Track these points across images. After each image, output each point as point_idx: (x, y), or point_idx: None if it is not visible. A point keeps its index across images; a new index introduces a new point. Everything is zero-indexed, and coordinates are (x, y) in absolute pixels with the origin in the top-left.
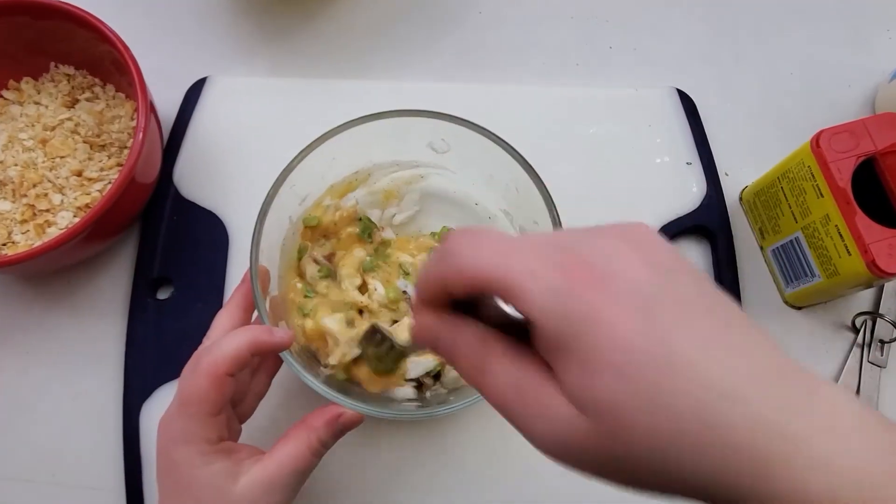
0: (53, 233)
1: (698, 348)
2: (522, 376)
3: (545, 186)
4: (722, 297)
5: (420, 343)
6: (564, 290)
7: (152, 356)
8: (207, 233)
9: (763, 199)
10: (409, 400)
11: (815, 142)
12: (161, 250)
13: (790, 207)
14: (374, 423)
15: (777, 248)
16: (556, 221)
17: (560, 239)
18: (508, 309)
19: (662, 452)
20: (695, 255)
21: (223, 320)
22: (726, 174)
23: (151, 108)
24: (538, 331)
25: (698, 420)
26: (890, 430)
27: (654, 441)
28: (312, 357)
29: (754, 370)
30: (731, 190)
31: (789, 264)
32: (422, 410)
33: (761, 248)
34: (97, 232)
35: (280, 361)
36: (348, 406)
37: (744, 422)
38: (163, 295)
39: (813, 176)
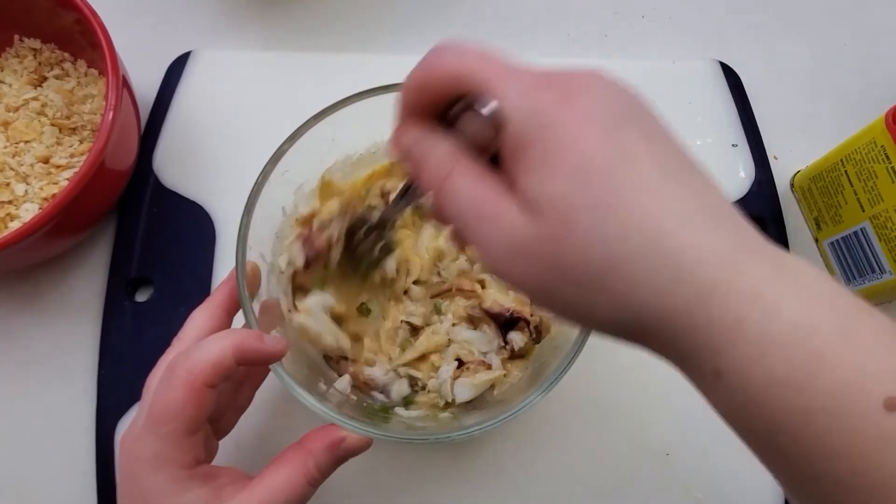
0: (16, 227)
1: (660, 172)
2: (482, 188)
3: None
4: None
5: (393, 152)
6: (538, 96)
7: (129, 367)
8: (192, 226)
9: (821, 186)
10: (419, 419)
11: (891, 117)
12: (139, 247)
13: (856, 194)
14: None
15: (837, 240)
16: None
17: (542, 68)
18: (485, 109)
19: (603, 263)
20: None
21: (200, 320)
22: (775, 157)
23: (125, 84)
24: (506, 129)
25: (647, 238)
26: (837, 292)
27: (598, 248)
28: (311, 368)
29: (714, 210)
30: (782, 175)
31: (852, 259)
32: (434, 434)
33: (816, 240)
34: (64, 226)
35: (267, 370)
36: (353, 429)
37: (695, 248)
38: (141, 297)
39: (888, 157)
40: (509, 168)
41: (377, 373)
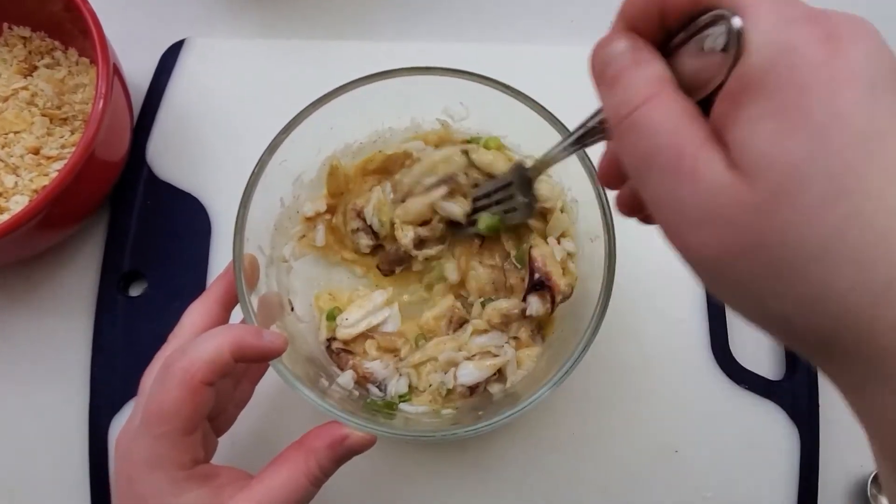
0: (5, 220)
1: None
2: (687, 129)
3: (589, 158)
4: None
5: (591, 62)
6: (802, 30)
7: (123, 363)
8: (186, 219)
9: None
10: (423, 414)
11: None
12: (133, 240)
13: None
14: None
15: None
16: (602, 196)
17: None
18: (738, 24)
19: (816, 248)
20: None
21: (196, 316)
22: None
23: (116, 72)
24: (745, 60)
25: (878, 235)
26: None
27: (817, 230)
28: (312, 363)
29: None
30: None
31: None
32: (440, 431)
33: None
34: (55, 218)
35: (267, 365)
36: (356, 426)
37: None
38: (135, 291)
39: None
40: (725, 111)
41: (377, 367)
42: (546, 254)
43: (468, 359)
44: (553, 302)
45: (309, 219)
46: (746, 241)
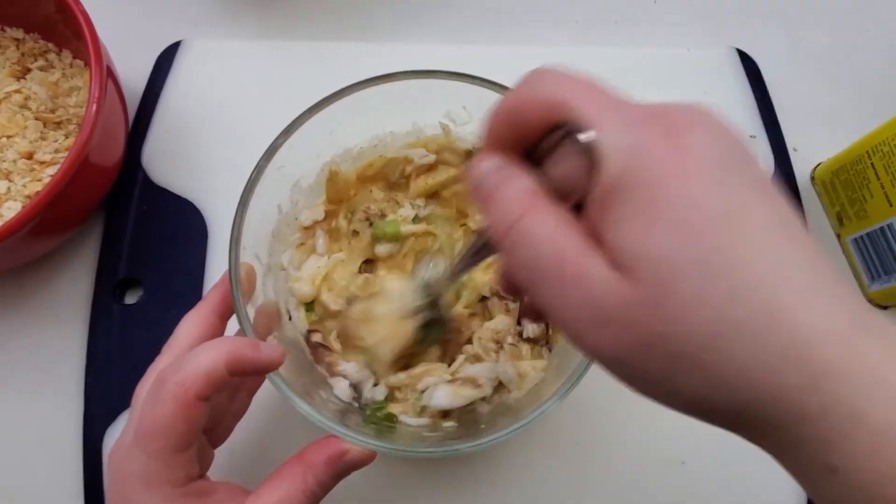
0: None
1: (773, 233)
2: (565, 236)
3: None
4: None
5: (469, 181)
6: (643, 131)
7: (118, 373)
8: (182, 225)
9: (844, 179)
10: (424, 427)
11: None
12: (128, 246)
13: (883, 188)
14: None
15: (861, 237)
16: None
17: (646, 103)
18: (587, 138)
19: (704, 334)
20: None
21: (191, 326)
22: (795, 149)
23: (110, 75)
24: (601, 167)
25: (758, 309)
26: None
27: (700, 316)
28: (310, 375)
29: (828, 281)
30: (801, 168)
31: (877, 256)
32: (442, 447)
33: (838, 236)
34: (48, 225)
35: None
36: (355, 441)
37: (811, 326)
38: (130, 299)
39: None
40: (596, 217)
41: (350, 369)
42: None
43: (450, 382)
44: (548, 322)
45: (306, 228)
46: (639, 338)
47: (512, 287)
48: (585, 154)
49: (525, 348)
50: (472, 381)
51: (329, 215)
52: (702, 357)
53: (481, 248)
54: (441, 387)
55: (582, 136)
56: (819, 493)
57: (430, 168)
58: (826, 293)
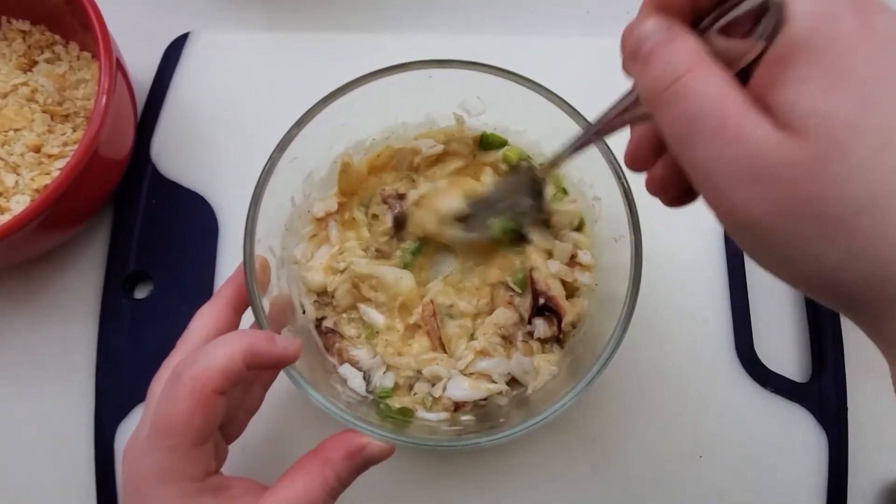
0: (6, 220)
1: None
2: (730, 95)
3: (613, 154)
4: None
5: (624, 42)
6: (832, 1)
7: (129, 368)
8: (193, 218)
9: None
10: (441, 422)
11: None
12: (137, 240)
13: None
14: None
15: None
16: (627, 190)
17: None
18: None
19: (864, 199)
20: None
21: (206, 319)
22: None
23: (119, 67)
24: (789, 26)
25: None
26: None
27: (865, 180)
28: (325, 368)
29: None
30: None
31: None
32: (462, 440)
33: None
34: (57, 219)
35: (278, 370)
36: (373, 434)
37: None
38: (140, 294)
39: None
40: (770, 77)
41: (363, 355)
42: (547, 275)
43: (464, 374)
44: (560, 324)
45: (319, 219)
46: (795, 197)
47: (643, 159)
48: (772, 17)
49: (536, 345)
50: (487, 376)
51: (342, 207)
52: (853, 224)
53: (611, 121)
54: (458, 379)
55: None
56: None
57: (439, 159)
58: None
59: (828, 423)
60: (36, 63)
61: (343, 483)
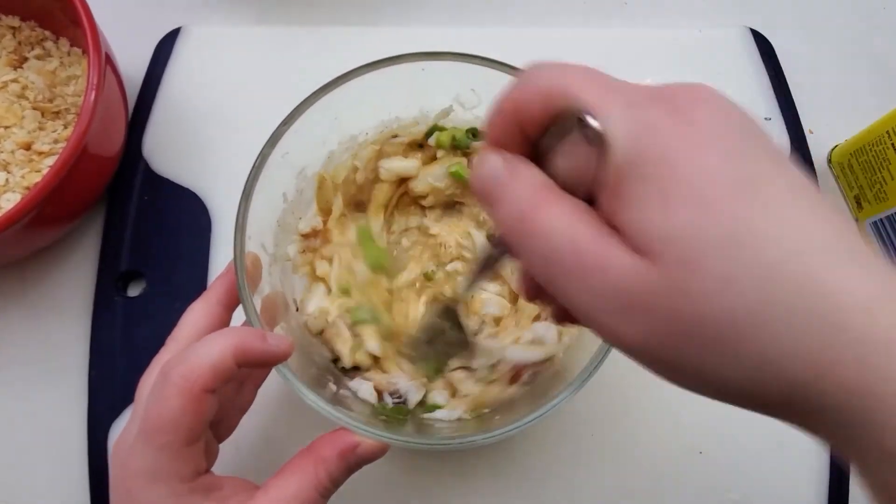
0: None
1: (792, 198)
2: (580, 227)
3: None
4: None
5: (472, 185)
6: (648, 111)
7: (122, 366)
8: (185, 215)
9: (862, 160)
10: (439, 421)
11: None
12: (130, 238)
13: None
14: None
15: (881, 219)
16: None
17: (648, 85)
18: (593, 122)
19: (737, 312)
20: None
21: (196, 316)
22: (811, 131)
23: (109, 62)
24: (609, 153)
25: (792, 278)
26: None
27: (730, 294)
28: (319, 366)
29: (854, 243)
30: (818, 150)
31: None
32: (456, 439)
33: (857, 219)
34: (48, 216)
35: (269, 369)
36: (366, 434)
37: (850, 292)
38: (133, 292)
39: None
40: (610, 203)
41: (401, 381)
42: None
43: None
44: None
45: (305, 235)
46: (668, 323)
47: (533, 291)
48: (592, 140)
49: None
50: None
51: (326, 226)
52: (738, 337)
53: (493, 256)
54: (512, 348)
55: (591, 122)
56: (874, 480)
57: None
58: (854, 255)
59: None
60: (26, 59)
61: (336, 483)
